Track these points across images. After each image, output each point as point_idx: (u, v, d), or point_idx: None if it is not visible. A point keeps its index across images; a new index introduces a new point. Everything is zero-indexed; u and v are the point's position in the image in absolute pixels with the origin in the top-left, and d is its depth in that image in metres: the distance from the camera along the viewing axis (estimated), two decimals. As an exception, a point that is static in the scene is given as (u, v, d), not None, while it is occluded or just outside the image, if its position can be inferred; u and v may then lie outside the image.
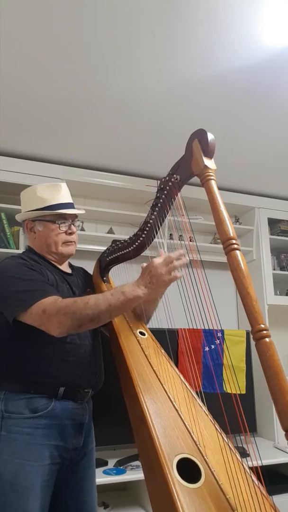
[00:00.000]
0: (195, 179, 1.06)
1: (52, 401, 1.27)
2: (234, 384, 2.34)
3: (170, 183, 1.16)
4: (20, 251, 2.30)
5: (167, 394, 1.14)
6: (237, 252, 0.88)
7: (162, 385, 1.17)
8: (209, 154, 1.01)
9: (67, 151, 2.49)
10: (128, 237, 1.42)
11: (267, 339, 0.79)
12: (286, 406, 0.73)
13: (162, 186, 1.20)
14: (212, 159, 1.02)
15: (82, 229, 2.56)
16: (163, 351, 1.39)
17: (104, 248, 1.62)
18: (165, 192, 1.19)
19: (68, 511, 1.34)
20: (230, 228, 0.91)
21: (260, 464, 0.93)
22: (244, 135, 2.35)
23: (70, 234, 1.46)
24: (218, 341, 2.54)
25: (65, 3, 1.46)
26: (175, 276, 1.11)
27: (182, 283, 1.15)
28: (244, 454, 1.23)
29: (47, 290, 1.24)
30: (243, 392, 2.56)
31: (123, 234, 2.55)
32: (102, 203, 2.80)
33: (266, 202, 3.12)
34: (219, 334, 2.56)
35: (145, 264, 1.30)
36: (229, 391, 2.30)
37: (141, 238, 1.34)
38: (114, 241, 1.53)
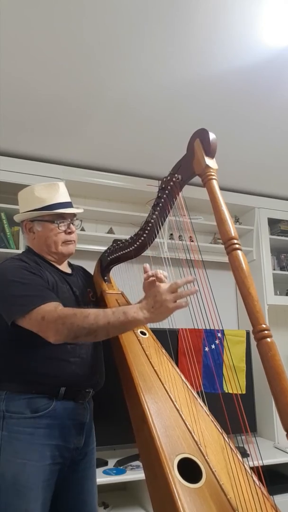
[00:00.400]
0: (196, 179, 1.06)
1: (53, 401, 1.27)
2: (234, 384, 2.34)
3: (171, 183, 1.16)
4: (20, 251, 2.29)
5: (168, 394, 1.14)
6: (239, 252, 0.88)
7: (163, 385, 1.17)
8: (210, 153, 1.01)
9: (67, 151, 2.49)
10: (129, 236, 1.41)
11: (268, 339, 0.79)
12: (287, 406, 0.73)
13: (163, 186, 1.19)
14: (214, 159, 1.02)
15: (82, 229, 2.55)
16: (164, 350, 1.39)
17: (104, 248, 1.63)
18: (167, 191, 1.19)
19: (68, 510, 1.34)
20: (232, 228, 0.91)
21: (261, 464, 0.93)
22: (244, 135, 2.35)
23: (70, 233, 1.46)
24: (218, 341, 2.54)
25: (65, 3, 1.46)
26: (180, 304, 1.07)
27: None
28: (244, 454, 1.23)
29: (47, 296, 1.23)
30: (243, 392, 2.56)
31: (123, 234, 2.54)
32: (102, 203, 2.80)
33: (266, 202, 3.12)
34: (220, 334, 2.56)
35: (147, 264, 1.30)
36: (229, 391, 2.29)
37: (142, 238, 1.34)
38: (115, 241, 1.53)
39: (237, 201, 3.01)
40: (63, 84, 1.89)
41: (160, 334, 1.50)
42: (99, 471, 1.90)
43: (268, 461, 2.33)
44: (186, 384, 1.25)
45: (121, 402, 1.21)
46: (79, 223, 1.53)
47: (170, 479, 0.86)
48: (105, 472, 2.03)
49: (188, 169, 1.09)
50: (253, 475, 0.95)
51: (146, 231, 1.31)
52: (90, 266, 1.71)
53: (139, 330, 1.42)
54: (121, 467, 2.11)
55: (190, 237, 2.20)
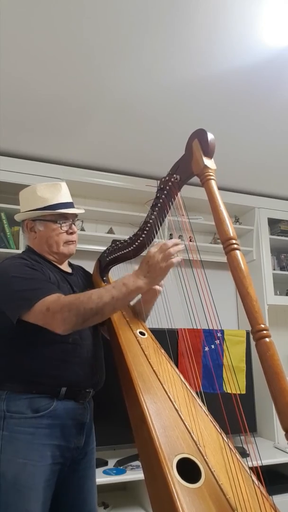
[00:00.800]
0: (195, 179, 1.06)
1: (53, 401, 1.27)
2: (234, 384, 2.34)
3: (170, 183, 1.16)
4: (20, 251, 2.29)
5: (167, 394, 1.14)
6: (237, 252, 0.88)
7: (162, 385, 1.17)
8: (209, 154, 1.01)
9: (67, 151, 2.49)
10: (128, 237, 1.42)
11: (267, 339, 0.79)
12: (286, 406, 0.73)
13: (162, 186, 1.20)
14: (212, 159, 1.02)
15: (82, 229, 2.54)
16: (163, 351, 1.39)
17: (104, 248, 1.62)
18: (165, 192, 1.19)
19: (68, 509, 1.35)
20: (230, 228, 0.91)
21: (260, 464, 0.93)
22: (244, 135, 2.35)
23: (71, 233, 1.46)
24: (218, 341, 2.54)
25: (65, 3, 1.46)
26: (172, 262, 1.11)
27: (182, 283, 1.15)
28: (244, 454, 1.23)
29: (50, 288, 1.24)
30: (243, 392, 2.56)
31: (123, 234, 2.54)
32: (102, 203, 2.80)
33: (266, 202, 3.12)
34: (219, 334, 2.56)
35: None
36: (229, 391, 2.29)
37: (141, 238, 1.34)
38: (114, 241, 1.53)
39: (237, 201, 3.01)
40: (63, 84, 1.89)
41: (159, 334, 1.50)
42: (99, 471, 1.90)
43: (268, 461, 2.33)
44: (185, 384, 1.25)
45: (121, 402, 1.21)
46: (80, 224, 1.54)
47: (169, 479, 0.86)
48: (105, 472, 2.03)
49: (186, 170, 1.09)
50: (252, 475, 0.95)
51: (145, 232, 1.31)
52: (90, 266, 1.71)
53: (138, 331, 1.42)
54: (121, 467, 2.11)
55: (190, 237, 2.20)
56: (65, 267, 1.51)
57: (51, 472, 1.24)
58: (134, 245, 1.38)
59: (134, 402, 1.10)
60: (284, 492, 2.22)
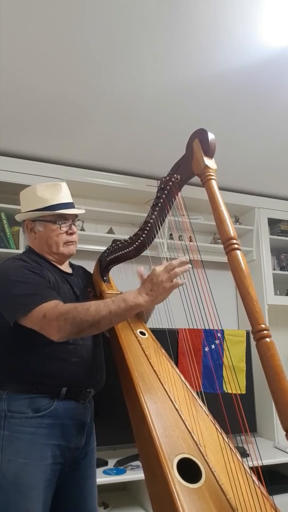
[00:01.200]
0: (195, 179, 1.06)
1: (54, 401, 1.27)
2: (234, 384, 2.34)
3: (170, 183, 1.16)
4: (20, 251, 2.30)
5: (167, 394, 1.14)
6: (238, 252, 0.87)
7: (162, 385, 1.17)
8: (209, 153, 1.01)
9: (67, 151, 2.49)
10: (128, 237, 1.41)
11: (267, 339, 0.79)
12: (287, 406, 0.73)
13: (162, 186, 1.19)
14: (213, 159, 1.02)
15: (82, 229, 2.56)
16: (163, 351, 1.39)
17: (104, 248, 1.62)
18: (166, 192, 1.19)
19: (69, 509, 1.35)
20: (231, 228, 0.91)
21: (261, 464, 0.93)
22: (244, 135, 2.35)
23: (71, 234, 1.46)
24: (218, 341, 2.54)
25: (65, 3, 1.46)
26: (176, 283, 1.08)
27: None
28: (244, 454, 1.23)
29: (48, 295, 1.24)
30: (243, 392, 2.56)
31: (123, 234, 2.54)
32: (102, 203, 2.80)
33: (266, 202, 3.12)
34: (219, 334, 2.56)
35: (142, 268, 1.30)
36: (229, 391, 2.29)
37: (141, 238, 1.34)
38: (115, 241, 1.53)
39: (237, 201, 3.01)
40: (63, 84, 1.89)
41: (159, 334, 1.50)
42: (99, 471, 1.90)
43: (268, 461, 2.33)
44: (185, 384, 1.25)
45: (121, 402, 1.21)
46: (80, 224, 1.54)
47: (170, 479, 0.86)
48: (105, 472, 2.03)
49: (187, 169, 1.09)
50: (253, 475, 0.95)
51: (145, 231, 1.31)
52: (90, 266, 1.71)
53: (138, 330, 1.42)
54: (121, 467, 2.11)
55: (190, 237, 2.20)
56: (65, 267, 1.51)
57: (52, 472, 1.24)
58: (134, 245, 1.38)
59: (134, 402, 1.10)
60: (284, 492, 2.22)
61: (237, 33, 1.62)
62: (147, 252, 1.39)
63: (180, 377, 1.27)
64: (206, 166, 0.99)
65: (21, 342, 1.28)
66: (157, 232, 1.28)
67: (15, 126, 2.22)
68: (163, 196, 1.20)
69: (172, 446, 0.96)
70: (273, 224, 3.19)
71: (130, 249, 1.41)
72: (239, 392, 2.54)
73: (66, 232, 1.45)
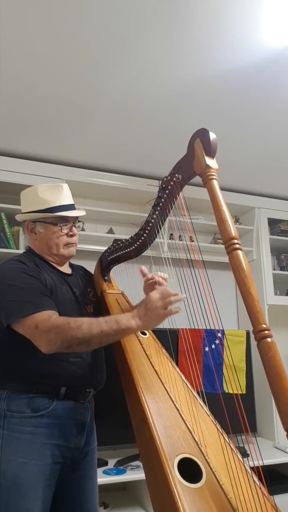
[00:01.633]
0: (195, 179, 1.06)
1: (53, 401, 1.27)
2: (234, 384, 2.34)
3: (171, 183, 1.16)
4: (20, 251, 2.29)
5: (168, 394, 1.14)
6: (239, 252, 0.88)
7: (163, 384, 1.17)
8: (211, 153, 1.01)
9: (67, 151, 2.49)
10: (129, 236, 1.41)
11: (268, 339, 0.79)
12: (287, 406, 0.73)
13: (163, 186, 1.19)
14: (214, 159, 1.02)
15: (82, 229, 2.56)
16: (164, 350, 1.39)
17: (105, 248, 1.62)
18: (167, 191, 1.19)
19: (69, 509, 1.35)
20: (232, 227, 0.91)
21: (261, 464, 0.93)
22: (244, 135, 2.35)
23: (72, 236, 1.46)
24: (218, 341, 2.54)
25: (65, 3, 1.46)
26: (170, 311, 1.10)
27: (182, 283, 1.15)
28: (244, 454, 1.23)
29: (43, 303, 1.24)
30: (243, 392, 2.56)
31: (123, 234, 2.54)
32: (102, 203, 2.80)
33: (266, 202, 3.12)
34: (220, 334, 2.56)
35: (143, 267, 1.30)
36: (229, 391, 2.29)
37: (142, 238, 1.34)
38: (116, 241, 1.53)
39: (237, 201, 3.01)
40: (63, 84, 1.89)
41: (160, 334, 1.50)
42: (99, 471, 1.89)
43: (268, 461, 2.33)
44: (186, 384, 1.25)
45: (121, 402, 1.21)
46: (81, 225, 1.53)
47: (170, 479, 0.86)
48: (105, 472, 2.03)
49: (188, 169, 1.09)
50: (253, 475, 0.95)
51: (146, 231, 1.31)
52: (90, 266, 1.71)
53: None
54: (121, 467, 2.11)
55: (190, 237, 2.20)
56: (64, 268, 1.51)
57: (51, 472, 1.24)
58: (135, 245, 1.38)
59: (135, 402, 1.10)
60: (285, 492, 2.22)
61: (237, 33, 1.62)
62: (148, 252, 1.39)
63: (181, 377, 1.27)
64: (208, 166, 0.99)
65: (20, 342, 1.28)
66: (158, 232, 1.28)
67: (15, 126, 2.22)
68: (165, 195, 1.20)
69: (173, 446, 0.96)
70: (273, 224, 3.19)
71: (131, 249, 1.41)
72: (239, 392, 2.54)
73: (67, 234, 1.45)
